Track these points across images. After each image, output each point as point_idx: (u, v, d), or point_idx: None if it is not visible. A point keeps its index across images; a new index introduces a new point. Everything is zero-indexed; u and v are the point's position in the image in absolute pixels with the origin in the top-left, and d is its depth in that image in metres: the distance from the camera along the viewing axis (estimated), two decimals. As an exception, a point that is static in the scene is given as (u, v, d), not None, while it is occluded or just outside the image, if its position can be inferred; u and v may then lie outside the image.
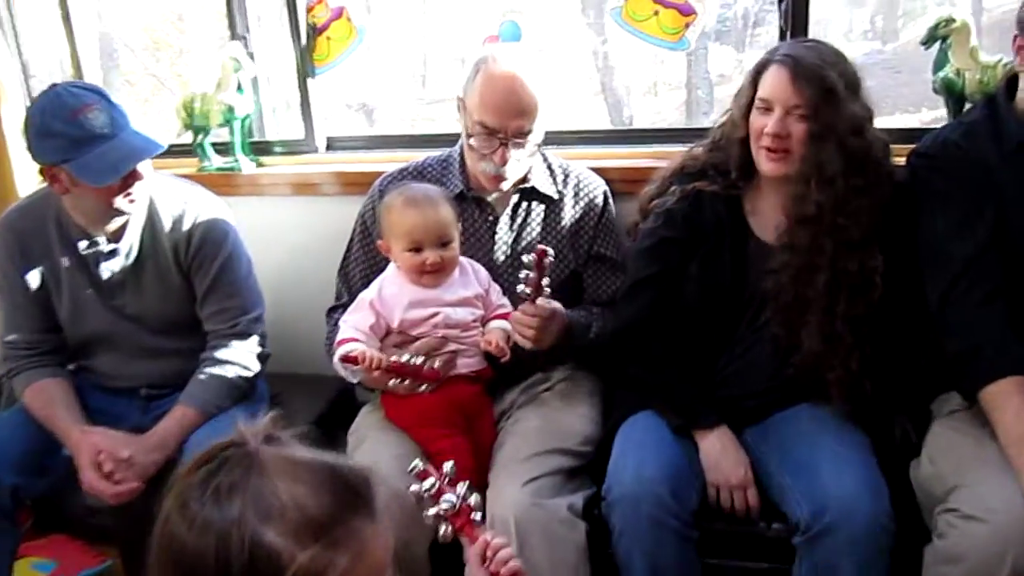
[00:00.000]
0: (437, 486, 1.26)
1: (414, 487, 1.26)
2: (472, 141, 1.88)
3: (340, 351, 1.78)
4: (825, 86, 1.65)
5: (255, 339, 2.04)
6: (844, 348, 1.70)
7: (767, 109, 1.71)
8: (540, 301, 1.70)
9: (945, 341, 1.65)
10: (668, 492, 1.62)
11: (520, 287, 1.69)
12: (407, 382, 1.77)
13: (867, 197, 1.68)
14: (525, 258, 1.66)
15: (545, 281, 1.68)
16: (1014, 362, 1.56)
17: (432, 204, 1.83)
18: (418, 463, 1.28)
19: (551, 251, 1.65)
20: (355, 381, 1.85)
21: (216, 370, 1.98)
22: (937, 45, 2.03)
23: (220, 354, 1.99)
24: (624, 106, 7.36)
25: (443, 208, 1.84)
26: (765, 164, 1.73)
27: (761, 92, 1.72)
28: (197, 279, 2.01)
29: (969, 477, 1.54)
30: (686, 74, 7.18)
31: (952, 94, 2.01)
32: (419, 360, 1.76)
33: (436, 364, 1.77)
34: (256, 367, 2.03)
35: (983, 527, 1.46)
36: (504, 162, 1.87)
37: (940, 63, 2.02)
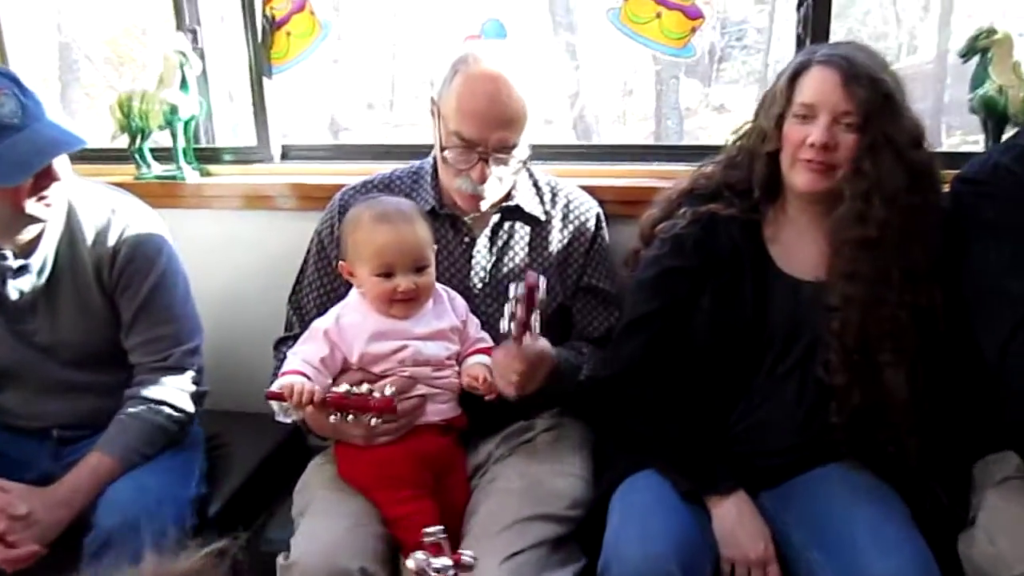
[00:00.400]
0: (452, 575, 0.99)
1: (416, 559, 0.99)
2: (447, 154, 1.62)
3: (273, 386, 1.51)
4: (882, 90, 1.44)
5: (190, 375, 1.74)
6: (919, 393, 1.48)
7: (809, 116, 1.48)
8: (527, 341, 1.43)
9: (1007, 399, 1.42)
10: (679, 570, 1.35)
11: (504, 323, 1.41)
12: (351, 418, 1.48)
13: (928, 218, 1.47)
14: (512, 289, 1.38)
15: (534, 317, 1.40)
16: None
17: (407, 221, 1.57)
18: (440, 532, 1.01)
19: (543, 281, 1.37)
20: (288, 421, 1.56)
21: (141, 410, 1.68)
22: (976, 60, 1.81)
23: (148, 392, 1.70)
24: (594, 133, 7.25)
25: (419, 226, 1.58)
26: (802, 177, 1.51)
27: (803, 97, 1.50)
28: (123, 302, 1.72)
29: None
30: (655, 104, 7.11)
31: (992, 114, 1.80)
32: (363, 388, 1.48)
33: (387, 390, 1.48)
34: (190, 408, 1.74)
35: None
36: (483, 180, 1.62)
37: (979, 79, 1.81)
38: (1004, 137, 1.80)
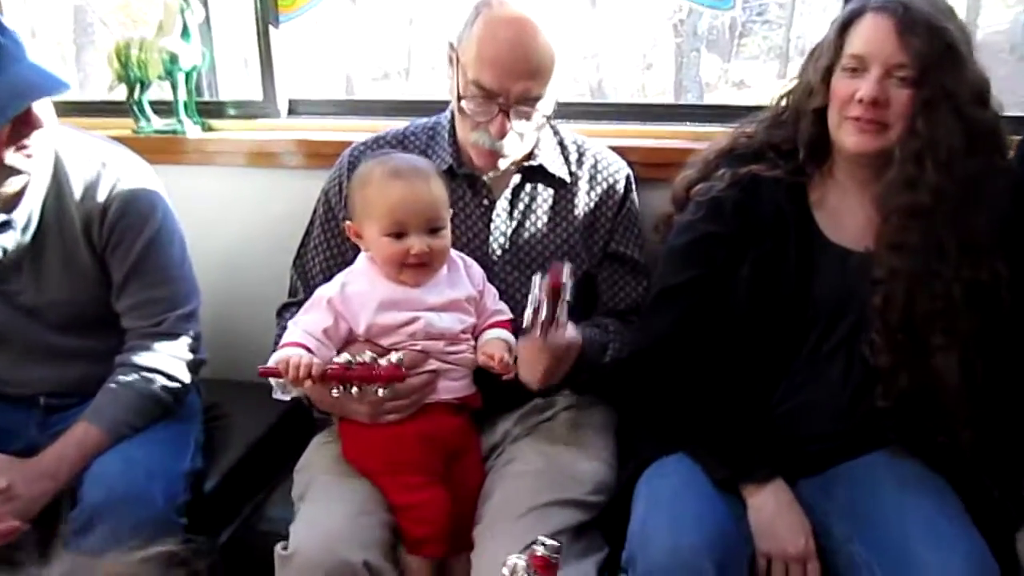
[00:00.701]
0: None
1: (515, 569, 0.90)
2: (464, 104, 1.49)
3: (270, 360, 1.38)
4: (944, 40, 1.30)
5: (185, 341, 1.63)
6: (979, 379, 1.34)
7: (859, 69, 1.35)
8: (552, 334, 1.29)
9: None
10: (713, 566, 1.23)
11: (527, 316, 1.27)
12: (355, 389, 1.36)
13: (992, 184, 1.33)
14: (535, 281, 1.25)
15: (563, 311, 1.27)
16: None
17: (422, 177, 1.44)
18: (556, 550, 0.90)
19: (569, 269, 1.23)
20: (288, 399, 1.44)
21: (133, 379, 1.57)
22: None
23: (140, 359, 1.59)
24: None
25: (435, 184, 1.45)
26: (850, 137, 1.37)
27: (853, 48, 1.36)
28: (114, 262, 1.60)
29: None
30: (674, 77, 6.98)
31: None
32: (367, 356, 1.35)
33: (393, 358, 1.35)
34: (185, 377, 1.62)
35: None
36: (502, 135, 1.48)
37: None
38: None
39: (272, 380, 1.38)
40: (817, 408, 1.43)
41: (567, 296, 1.24)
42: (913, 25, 1.30)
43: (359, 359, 1.35)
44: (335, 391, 1.35)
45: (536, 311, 1.25)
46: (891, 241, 1.37)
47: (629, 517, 1.37)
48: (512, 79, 1.44)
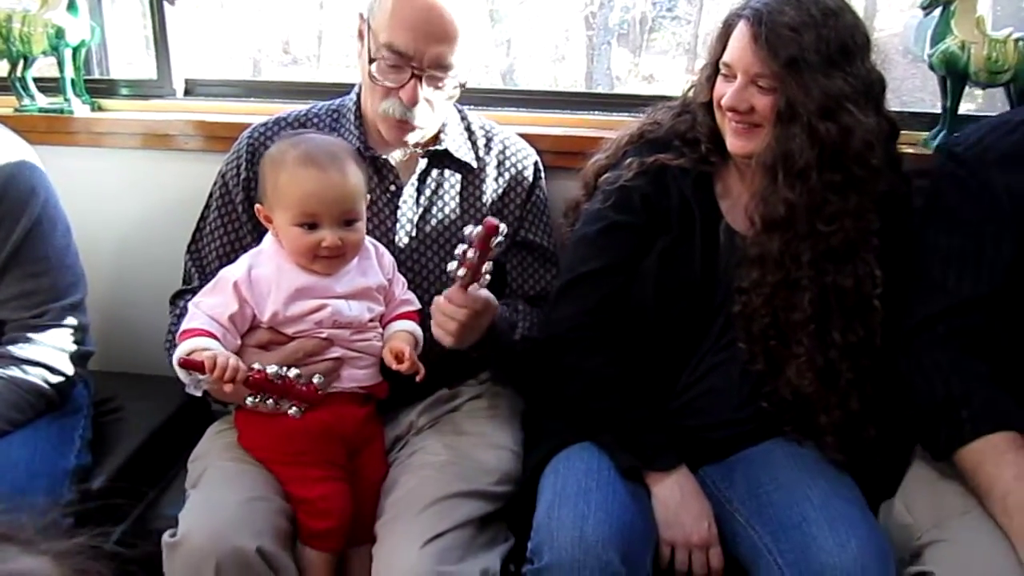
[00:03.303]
0: None
1: None
2: (375, 69, 1.43)
3: (182, 348, 1.31)
4: (788, 54, 1.30)
5: (68, 333, 1.54)
6: (843, 386, 1.37)
7: (728, 76, 1.37)
8: (472, 289, 1.29)
9: (901, 386, 1.35)
10: (619, 558, 1.22)
11: (453, 266, 1.27)
12: (271, 401, 1.32)
13: (852, 196, 1.34)
14: (468, 230, 1.24)
15: (487, 266, 1.27)
16: (1002, 415, 1.26)
17: (338, 166, 1.37)
18: None
19: (504, 228, 1.24)
20: (198, 393, 1.38)
21: (12, 372, 1.48)
22: (937, 13, 1.69)
23: (19, 351, 1.49)
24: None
25: (352, 172, 1.38)
26: (729, 138, 1.40)
27: (725, 55, 1.38)
28: None
29: (953, 532, 1.24)
30: (585, 70, 7.04)
31: (954, 71, 1.69)
32: (292, 372, 1.31)
33: (316, 379, 1.32)
34: (68, 369, 1.54)
35: None
36: (414, 102, 1.43)
37: (940, 34, 1.69)
38: (965, 103, 1.73)
39: (184, 374, 1.32)
40: (720, 395, 1.44)
41: (499, 240, 1.24)
42: (769, 37, 1.31)
43: (283, 373, 1.30)
44: (251, 399, 1.30)
45: (463, 259, 1.25)
46: (752, 253, 1.39)
47: (535, 506, 1.35)
48: (426, 42, 1.41)
